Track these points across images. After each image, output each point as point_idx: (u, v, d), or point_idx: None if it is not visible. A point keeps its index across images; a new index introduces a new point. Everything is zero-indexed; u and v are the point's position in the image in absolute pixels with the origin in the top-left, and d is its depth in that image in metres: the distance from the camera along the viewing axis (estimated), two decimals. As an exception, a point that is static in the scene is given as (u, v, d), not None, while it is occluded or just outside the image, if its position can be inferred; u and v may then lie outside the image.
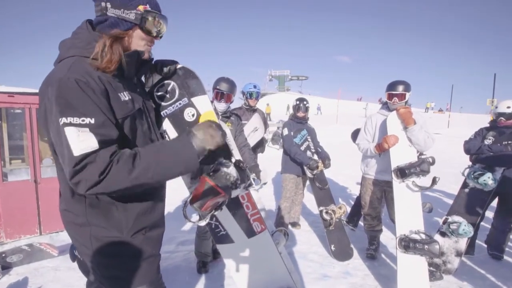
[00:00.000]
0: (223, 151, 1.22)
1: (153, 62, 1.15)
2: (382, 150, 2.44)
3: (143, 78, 1.21)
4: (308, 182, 3.29)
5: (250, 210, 1.22)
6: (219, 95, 2.36)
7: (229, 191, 1.09)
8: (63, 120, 0.79)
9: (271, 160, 5.09)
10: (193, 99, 1.22)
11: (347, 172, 6.66)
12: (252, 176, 2.13)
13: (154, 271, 1.10)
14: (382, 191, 2.70)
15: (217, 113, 2.39)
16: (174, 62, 1.20)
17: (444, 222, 2.65)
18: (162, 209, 1.13)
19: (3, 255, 2.66)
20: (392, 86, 2.54)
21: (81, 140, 0.79)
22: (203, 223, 1.14)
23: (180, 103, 1.23)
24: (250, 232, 1.22)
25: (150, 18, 0.94)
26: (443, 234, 2.61)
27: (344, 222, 3.47)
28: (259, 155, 3.36)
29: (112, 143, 0.85)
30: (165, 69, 1.17)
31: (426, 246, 2.04)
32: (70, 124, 0.79)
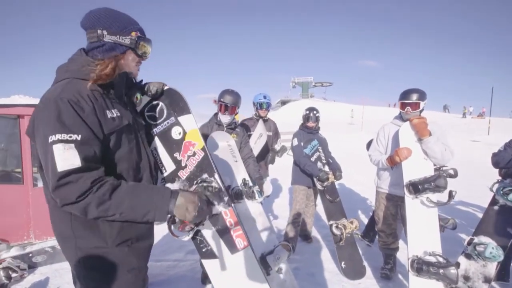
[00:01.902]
0: (207, 167, 1.23)
1: (142, 83, 1.22)
2: (394, 163, 2.30)
3: (135, 100, 1.28)
4: (320, 194, 3.19)
5: (233, 226, 1.21)
6: (223, 107, 2.39)
7: (209, 208, 1.10)
8: (52, 137, 0.86)
9: (283, 170, 5.02)
10: (180, 118, 1.28)
11: (369, 182, 6.36)
12: (256, 188, 2.13)
13: (140, 283, 1.12)
14: (397, 207, 2.53)
15: (220, 125, 2.42)
16: (162, 84, 1.27)
17: (469, 243, 2.39)
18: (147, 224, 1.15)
19: (30, 255, 2.88)
20: (405, 94, 2.40)
21: (66, 158, 0.86)
22: (186, 238, 1.15)
23: (168, 122, 1.28)
24: (232, 248, 1.21)
25: (141, 42, 1.08)
26: (468, 256, 2.36)
27: (359, 236, 3.30)
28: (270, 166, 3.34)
29: (95, 161, 0.92)
30: (153, 90, 1.24)
31: (441, 271, 1.87)
32: (59, 141, 0.86)
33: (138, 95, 1.22)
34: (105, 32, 1.01)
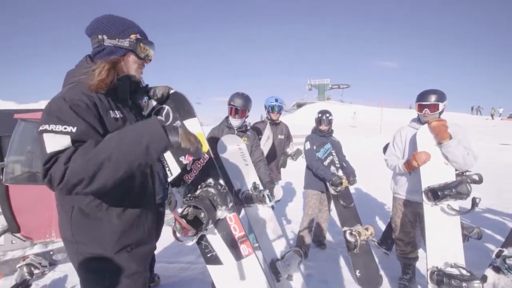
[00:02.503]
0: (212, 171, 1.23)
1: (147, 87, 1.24)
2: (411, 168, 2.19)
3: (143, 103, 1.31)
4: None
5: (237, 232, 1.19)
6: (233, 111, 2.39)
7: (213, 213, 1.09)
8: (44, 126, 0.86)
9: (297, 174, 4.95)
10: (185, 122, 1.28)
11: (387, 187, 6.12)
12: (266, 192, 2.10)
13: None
14: (415, 214, 2.40)
15: (230, 128, 2.42)
16: (167, 88, 1.28)
17: (498, 255, 2.22)
18: (150, 226, 1.16)
19: (51, 252, 3.00)
20: (422, 96, 2.28)
21: (56, 141, 0.85)
22: (190, 243, 1.15)
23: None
24: (237, 255, 1.19)
25: (141, 44, 1.09)
26: (497, 269, 2.18)
27: (376, 244, 3.17)
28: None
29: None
30: (159, 94, 1.26)
31: (464, 284, 1.74)
32: (51, 131, 0.85)
33: (146, 100, 1.24)
34: (105, 37, 1.04)
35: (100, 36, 1.04)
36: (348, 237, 2.62)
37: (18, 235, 3.13)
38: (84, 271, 1.05)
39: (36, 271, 2.62)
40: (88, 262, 1.03)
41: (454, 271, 1.82)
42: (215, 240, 1.21)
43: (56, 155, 0.82)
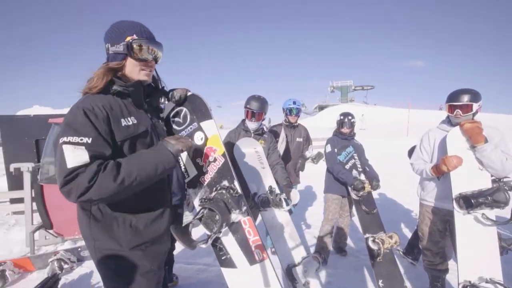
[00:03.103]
0: (227, 174, 1.22)
1: (164, 89, 1.26)
2: (440, 173, 2.04)
3: (162, 106, 1.34)
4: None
5: (252, 236, 1.16)
6: (250, 114, 2.38)
7: (227, 215, 1.08)
8: (63, 139, 0.92)
9: (317, 177, 4.83)
10: (202, 124, 1.29)
11: (415, 192, 5.79)
12: (283, 196, 2.06)
13: (153, 287, 1.14)
14: (445, 222, 2.24)
15: (247, 131, 2.41)
16: (185, 90, 1.29)
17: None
18: (166, 226, 1.18)
19: (79, 249, 3.17)
20: (453, 96, 2.12)
21: (75, 155, 0.90)
22: (204, 245, 1.15)
23: (191, 128, 1.30)
24: (251, 260, 1.16)
25: (135, 46, 1.05)
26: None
27: (401, 253, 3.00)
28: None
29: (103, 159, 0.96)
30: (177, 97, 1.27)
31: (501, 301, 1.58)
32: (69, 143, 0.91)
33: (165, 102, 1.26)
34: (109, 45, 1.07)
35: (106, 45, 1.08)
36: (371, 245, 2.50)
37: (51, 231, 3.35)
38: (101, 267, 1.09)
39: (65, 266, 2.78)
40: (105, 259, 1.06)
41: (490, 287, 1.66)
42: (230, 243, 1.20)
43: (77, 170, 0.89)
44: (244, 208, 1.11)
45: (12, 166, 3.19)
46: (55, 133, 3.50)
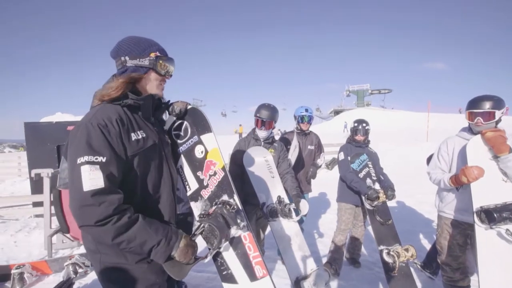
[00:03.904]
0: (227, 187, 1.20)
1: (168, 103, 1.28)
2: (459, 184, 1.93)
3: (165, 118, 1.35)
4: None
5: (252, 251, 1.14)
6: (259, 122, 2.37)
7: (226, 231, 1.07)
8: (80, 159, 0.94)
9: (332, 185, 4.72)
10: (202, 137, 1.29)
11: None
12: (292, 206, 2.02)
13: None
14: (466, 236, 2.10)
15: (257, 139, 2.40)
16: (185, 103, 1.31)
17: None
18: None
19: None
20: (474, 102, 2.01)
21: (91, 178, 0.92)
22: (205, 260, 1.13)
23: (192, 141, 1.31)
24: (252, 276, 1.13)
25: (160, 62, 1.13)
26: None
27: (418, 266, 2.85)
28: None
29: (116, 183, 0.98)
30: (177, 110, 1.29)
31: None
32: (86, 163, 0.93)
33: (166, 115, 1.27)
34: (127, 58, 1.10)
35: (123, 58, 1.10)
36: (385, 257, 2.39)
37: (68, 235, 3.45)
38: (106, 280, 1.09)
39: (80, 270, 2.85)
40: (110, 272, 1.07)
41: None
42: (231, 258, 1.18)
43: (92, 195, 0.91)
44: (242, 224, 1.09)
45: (33, 172, 3.34)
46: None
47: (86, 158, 0.94)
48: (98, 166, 0.94)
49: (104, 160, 0.95)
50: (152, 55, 1.11)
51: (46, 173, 3.31)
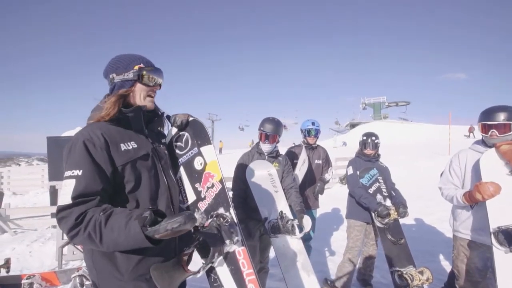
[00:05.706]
0: (224, 201, 1.19)
1: (163, 115, 1.30)
2: (474, 201, 1.80)
3: (165, 131, 1.38)
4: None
5: (246, 268, 1.10)
6: (263, 136, 2.36)
7: (219, 245, 1.04)
8: (65, 173, 0.99)
9: (343, 200, 4.57)
10: (202, 149, 1.30)
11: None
12: (295, 222, 1.96)
13: None
14: (485, 259, 1.93)
15: (261, 153, 2.38)
16: (187, 115, 1.33)
17: None
18: (168, 256, 1.14)
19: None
20: (488, 114, 1.91)
21: (64, 193, 0.96)
22: (198, 275, 1.11)
23: (192, 152, 1.32)
24: (245, 294, 1.09)
25: (145, 73, 1.16)
26: None
27: (436, 292, 2.64)
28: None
29: (92, 194, 0.97)
30: (178, 122, 1.31)
31: None
32: (65, 178, 0.98)
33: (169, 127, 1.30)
34: (114, 75, 1.15)
35: (111, 76, 1.16)
36: (398, 280, 2.24)
37: (78, 246, 3.53)
38: None
39: (86, 282, 2.86)
40: None
41: None
42: (224, 274, 1.14)
43: (62, 210, 0.94)
44: (236, 239, 1.07)
45: (49, 184, 3.49)
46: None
47: (66, 173, 0.99)
48: (74, 180, 0.96)
49: (80, 173, 0.97)
50: (136, 67, 1.14)
51: (60, 185, 3.45)
